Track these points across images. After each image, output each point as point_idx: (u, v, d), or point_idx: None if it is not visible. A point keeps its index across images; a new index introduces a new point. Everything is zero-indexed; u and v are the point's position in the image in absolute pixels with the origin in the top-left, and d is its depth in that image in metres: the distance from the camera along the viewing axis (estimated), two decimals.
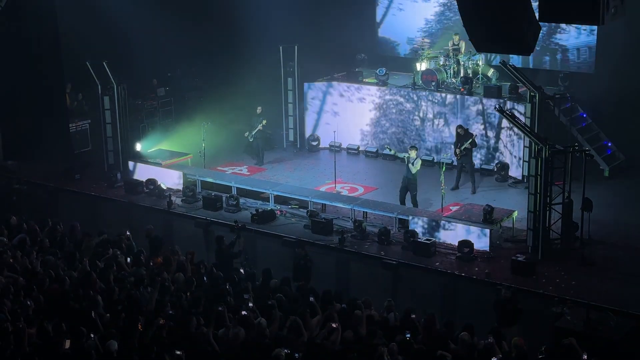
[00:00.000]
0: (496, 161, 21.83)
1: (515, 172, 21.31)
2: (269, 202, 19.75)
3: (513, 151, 21.50)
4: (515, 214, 17.97)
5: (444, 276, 16.47)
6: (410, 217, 17.99)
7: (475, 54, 22.94)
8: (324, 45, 24.64)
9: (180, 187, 20.68)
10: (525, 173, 19.83)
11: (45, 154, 22.72)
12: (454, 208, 18.85)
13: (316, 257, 17.54)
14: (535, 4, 10.14)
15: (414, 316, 13.58)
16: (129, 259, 16.02)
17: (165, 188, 20.69)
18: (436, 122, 22.86)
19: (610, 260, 16.70)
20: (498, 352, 12.44)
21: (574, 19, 10.07)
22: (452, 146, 21.32)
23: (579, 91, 21.92)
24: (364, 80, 24.33)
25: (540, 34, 10.54)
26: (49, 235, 17.28)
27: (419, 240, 17.19)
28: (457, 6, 10.64)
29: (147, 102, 25.64)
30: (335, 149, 23.24)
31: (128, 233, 17.34)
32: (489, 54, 23.23)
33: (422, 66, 23.47)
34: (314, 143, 24.49)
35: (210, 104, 24.95)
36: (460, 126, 21.04)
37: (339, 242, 17.68)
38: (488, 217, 17.27)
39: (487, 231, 17.14)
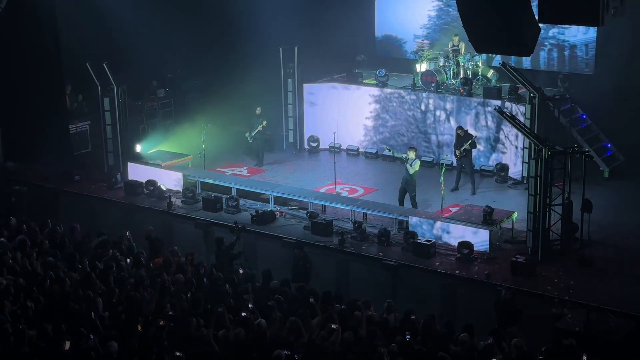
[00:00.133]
0: (496, 162, 21.84)
1: (512, 167, 21.33)
2: (268, 203, 19.75)
3: (514, 151, 21.52)
4: (515, 215, 17.97)
5: (444, 277, 16.47)
6: (410, 218, 17.99)
7: (475, 55, 22.95)
8: (323, 46, 24.63)
9: (180, 189, 20.68)
10: (525, 174, 19.87)
11: (45, 155, 22.69)
12: (454, 209, 18.85)
13: (316, 258, 17.55)
14: (534, 5, 10.15)
15: (414, 317, 13.59)
16: (128, 260, 16.02)
17: (165, 189, 20.69)
18: (436, 123, 22.86)
19: (610, 261, 16.71)
20: (498, 353, 12.45)
21: (573, 20, 10.07)
22: (452, 147, 21.32)
23: (578, 92, 21.92)
24: (364, 81, 24.34)
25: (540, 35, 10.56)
26: (49, 236, 17.28)
27: (418, 241, 17.19)
28: (456, 7, 10.65)
29: (147, 103, 25.66)
30: (335, 150, 23.22)
31: (128, 234, 17.35)
32: (488, 55, 23.21)
33: (421, 67, 23.47)
34: (314, 144, 24.49)
35: (210, 105, 24.94)
36: (460, 127, 21.04)
37: (338, 243, 17.68)
38: (488, 218, 17.28)
39: (487, 232, 17.14)
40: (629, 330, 13.61)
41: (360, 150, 24.10)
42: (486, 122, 22.01)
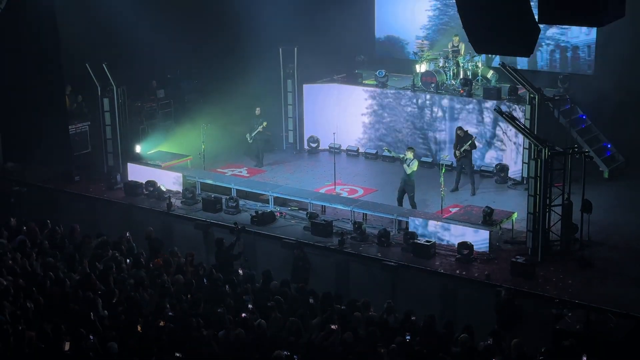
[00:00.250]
0: (495, 163, 21.85)
1: (512, 167, 21.35)
2: (268, 204, 19.75)
3: (513, 152, 21.53)
4: (515, 215, 17.97)
5: (444, 278, 16.46)
6: (410, 219, 18.00)
7: (475, 56, 22.95)
8: (323, 47, 24.64)
9: (180, 189, 20.68)
10: (525, 174, 19.87)
11: (45, 156, 22.71)
12: (454, 210, 18.85)
13: (316, 258, 17.55)
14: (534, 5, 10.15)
15: (414, 318, 13.59)
16: (128, 261, 16.03)
17: (164, 190, 20.69)
18: (435, 124, 22.86)
19: (610, 261, 16.70)
20: (498, 354, 12.45)
21: (573, 21, 10.05)
22: (452, 148, 21.33)
23: (578, 93, 21.93)
24: (364, 81, 24.35)
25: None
26: (49, 237, 17.29)
27: (418, 241, 17.19)
28: (456, 7, 10.64)
29: (146, 104, 25.66)
30: (334, 150, 23.23)
31: (128, 235, 17.36)
32: (488, 56, 23.22)
33: (421, 68, 23.48)
34: (314, 145, 24.49)
35: (209, 105, 24.95)
36: (459, 128, 21.05)
37: (338, 244, 17.68)
38: (488, 219, 17.27)
39: (487, 233, 17.13)
40: (628, 331, 13.60)
41: (360, 150, 24.10)
42: (486, 122, 22.01)
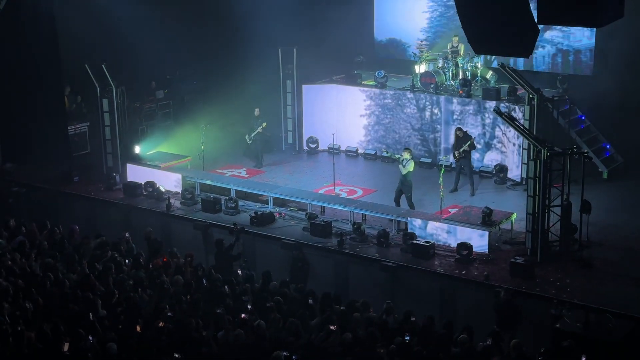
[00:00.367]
0: (495, 163, 21.85)
1: (512, 168, 21.34)
2: (267, 204, 19.75)
3: (513, 152, 21.53)
4: (514, 216, 17.97)
5: (443, 278, 16.46)
6: (409, 219, 18.00)
7: (474, 56, 22.96)
8: (322, 47, 24.65)
9: (179, 190, 20.67)
10: (524, 175, 19.87)
11: (44, 157, 22.72)
12: (453, 210, 18.85)
13: (315, 259, 17.55)
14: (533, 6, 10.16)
15: (413, 319, 13.60)
16: (127, 261, 16.02)
17: (164, 190, 20.68)
18: (434, 124, 22.87)
19: (609, 262, 16.71)
20: (497, 354, 12.46)
21: (572, 22, 10.07)
22: (451, 148, 21.33)
23: (577, 93, 21.93)
24: (363, 82, 24.36)
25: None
26: (48, 237, 17.28)
27: (417, 242, 17.19)
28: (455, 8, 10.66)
29: (145, 104, 25.66)
30: (334, 151, 23.24)
31: (127, 235, 17.36)
32: (487, 56, 23.23)
33: (420, 68, 23.49)
34: (313, 145, 24.50)
35: (209, 106, 24.95)
36: (459, 128, 21.05)
37: (337, 245, 17.67)
38: (487, 220, 17.27)
39: (486, 233, 17.14)
40: (628, 331, 13.60)
41: (360, 151, 24.11)
42: (485, 123, 22.02)
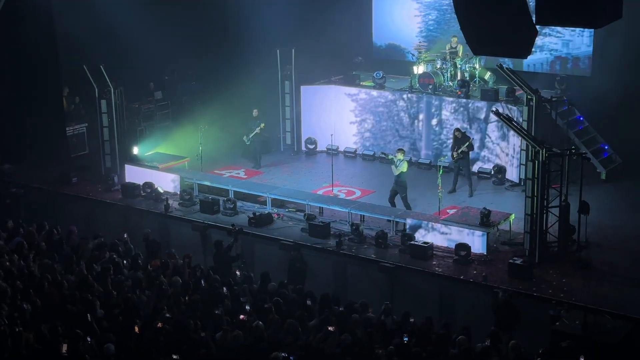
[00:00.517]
0: (493, 164, 21.86)
1: (510, 169, 21.34)
2: (266, 205, 19.75)
3: (511, 153, 21.53)
4: (513, 217, 17.97)
5: (441, 279, 16.46)
6: (407, 220, 18.01)
7: (472, 57, 22.95)
8: (321, 48, 24.64)
9: (178, 191, 20.66)
10: (522, 176, 19.88)
11: (42, 158, 22.70)
12: (451, 211, 18.85)
13: (313, 260, 17.55)
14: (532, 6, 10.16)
15: (412, 320, 13.60)
16: (125, 262, 16.01)
17: (162, 191, 20.66)
18: (433, 125, 22.87)
19: (608, 263, 16.71)
20: (495, 355, 12.46)
21: (570, 22, 10.07)
22: (450, 149, 21.34)
23: (575, 94, 21.94)
24: (361, 83, 24.36)
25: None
26: (46, 238, 17.27)
27: (416, 243, 17.19)
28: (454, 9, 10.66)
29: (144, 105, 25.66)
30: (332, 152, 23.23)
31: (126, 236, 17.35)
32: (486, 57, 23.22)
33: (419, 69, 23.49)
34: (311, 146, 24.50)
35: (207, 107, 24.96)
36: (457, 129, 21.05)
37: (336, 246, 17.67)
38: (485, 220, 17.27)
39: (484, 234, 17.14)
40: (626, 332, 13.61)
41: (358, 152, 24.11)
42: (483, 124, 22.02)
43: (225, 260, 16.77)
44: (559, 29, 22.39)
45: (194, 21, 25.98)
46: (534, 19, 9.98)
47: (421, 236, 17.53)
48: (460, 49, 23.17)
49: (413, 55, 24.20)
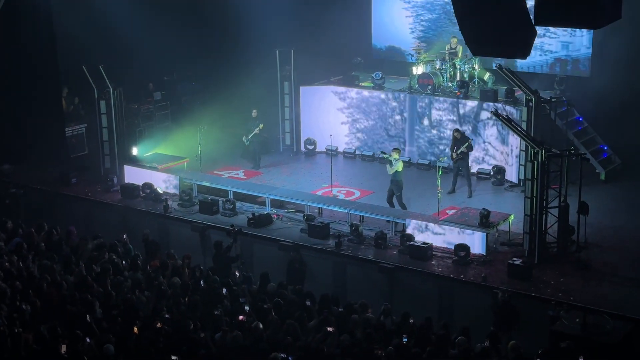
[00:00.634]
0: (492, 165, 21.86)
1: (509, 169, 21.34)
2: (265, 206, 19.75)
3: (510, 154, 21.54)
4: (512, 217, 17.98)
5: (441, 280, 16.46)
6: (406, 220, 18.01)
7: (471, 58, 22.96)
8: (320, 49, 24.65)
9: (177, 191, 20.65)
10: (521, 177, 19.87)
11: (42, 158, 22.69)
12: (451, 212, 18.85)
13: (313, 261, 17.55)
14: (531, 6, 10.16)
15: (411, 320, 13.59)
16: (124, 262, 16.01)
17: (161, 192, 20.66)
18: (432, 125, 22.87)
19: (607, 263, 16.72)
20: (495, 356, 12.46)
21: (570, 23, 10.07)
22: (449, 150, 21.33)
23: (575, 95, 21.94)
24: (360, 84, 24.36)
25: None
26: (45, 239, 17.26)
27: (415, 243, 17.19)
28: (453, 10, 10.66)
29: (143, 106, 25.66)
30: (331, 152, 23.23)
31: (125, 237, 17.34)
32: (485, 58, 23.23)
33: (418, 70, 23.49)
34: (311, 147, 24.49)
35: (206, 107, 24.95)
36: (456, 130, 21.05)
37: (335, 246, 17.67)
38: (484, 221, 17.28)
39: (484, 235, 17.14)
40: (625, 333, 13.61)
41: (357, 153, 24.11)
42: (482, 124, 22.02)
43: (224, 260, 16.76)
44: (557, 31, 22.41)
45: (194, 21, 25.98)
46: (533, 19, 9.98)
47: (420, 235, 17.54)
48: (459, 49, 23.17)
49: (412, 56, 24.18)
